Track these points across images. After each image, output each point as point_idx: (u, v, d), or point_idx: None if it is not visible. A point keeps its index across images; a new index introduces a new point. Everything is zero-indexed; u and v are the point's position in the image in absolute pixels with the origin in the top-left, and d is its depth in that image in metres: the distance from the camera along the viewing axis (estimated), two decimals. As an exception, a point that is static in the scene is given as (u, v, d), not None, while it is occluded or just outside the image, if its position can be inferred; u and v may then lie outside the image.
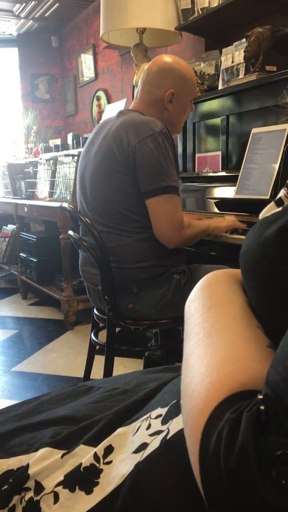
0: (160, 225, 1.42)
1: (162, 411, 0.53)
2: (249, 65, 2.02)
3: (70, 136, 4.12)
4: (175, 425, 0.49)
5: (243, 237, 1.52)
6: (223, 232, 1.56)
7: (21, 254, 3.57)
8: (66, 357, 2.44)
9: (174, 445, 0.47)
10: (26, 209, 3.36)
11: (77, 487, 0.52)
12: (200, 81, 2.30)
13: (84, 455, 0.55)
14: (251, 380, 0.35)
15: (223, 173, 2.03)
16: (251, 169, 1.69)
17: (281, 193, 0.48)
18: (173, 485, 0.44)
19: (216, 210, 1.88)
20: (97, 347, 1.73)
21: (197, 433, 0.34)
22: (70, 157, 2.88)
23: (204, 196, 2.01)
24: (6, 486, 0.56)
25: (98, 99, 4.15)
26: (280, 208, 0.46)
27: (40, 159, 3.39)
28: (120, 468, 0.51)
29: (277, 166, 1.58)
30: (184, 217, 1.48)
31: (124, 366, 2.23)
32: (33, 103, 4.88)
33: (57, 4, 3.99)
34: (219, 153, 2.20)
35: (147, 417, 0.55)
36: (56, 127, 4.96)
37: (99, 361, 1.72)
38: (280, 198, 0.48)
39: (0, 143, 4.92)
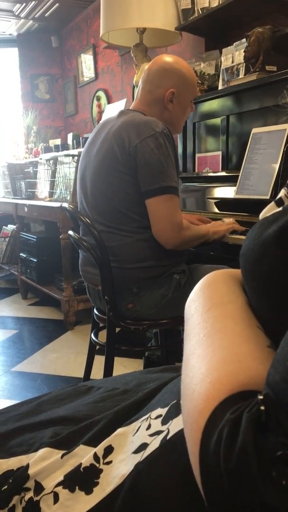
0: (159, 225, 1.42)
1: (162, 411, 0.53)
2: (249, 65, 2.02)
3: (70, 136, 4.13)
4: (175, 425, 0.49)
5: (243, 237, 1.51)
6: (222, 237, 1.56)
7: (21, 254, 3.57)
8: (66, 357, 2.44)
9: (174, 445, 0.47)
10: (26, 209, 3.36)
11: (77, 487, 0.52)
12: (200, 81, 2.30)
13: (84, 455, 0.55)
14: (251, 380, 0.35)
15: (223, 173, 2.03)
16: (251, 169, 1.69)
17: (281, 193, 0.48)
18: (173, 485, 0.44)
19: (216, 210, 1.88)
20: (97, 347, 1.73)
21: (197, 433, 0.34)
22: (70, 157, 2.88)
23: (204, 196, 2.01)
24: (6, 486, 0.56)
25: (98, 99, 4.15)
26: (280, 208, 0.45)
27: (40, 159, 3.39)
28: (120, 468, 0.51)
29: (277, 166, 1.58)
30: (185, 217, 1.48)
31: (124, 366, 2.23)
32: (33, 103, 4.88)
33: (57, 4, 3.99)
34: (219, 153, 2.20)
35: (147, 417, 0.55)
36: (56, 127, 4.96)
37: (99, 361, 1.72)
38: (280, 198, 0.48)
39: (0, 143, 4.92)
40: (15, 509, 0.55)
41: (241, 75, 2.10)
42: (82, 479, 0.52)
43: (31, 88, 4.88)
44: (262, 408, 0.31)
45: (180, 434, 0.46)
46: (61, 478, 0.53)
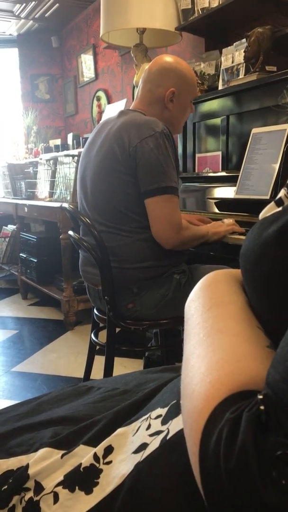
0: (158, 225, 1.42)
1: (162, 411, 0.53)
2: (249, 65, 2.02)
3: (70, 136, 4.13)
4: (175, 425, 0.49)
5: (243, 237, 1.51)
6: (221, 238, 1.56)
7: (21, 254, 3.57)
8: (66, 357, 2.44)
9: (174, 445, 0.47)
10: (26, 209, 3.36)
11: (77, 487, 0.52)
12: (200, 81, 2.30)
13: (84, 455, 0.55)
14: (251, 380, 0.35)
15: (223, 173, 2.03)
16: (251, 169, 1.69)
17: (281, 193, 0.48)
18: (173, 485, 0.44)
19: (216, 210, 1.88)
20: (97, 347, 1.73)
21: (197, 433, 0.34)
22: (70, 157, 2.89)
23: (204, 196, 2.01)
24: (6, 486, 0.56)
25: (98, 99, 4.15)
26: (280, 208, 0.45)
27: (40, 159, 3.39)
28: (120, 468, 0.51)
29: (277, 166, 1.58)
30: (185, 217, 1.48)
31: (124, 366, 2.23)
32: (33, 103, 4.88)
33: (57, 5, 3.99)
34: (219, 153, 2.20)
35: (147, 417, 0.55)
36: (56, 127, 4.97)
37: (99, 361, 1.72)
38: (280, 198, 0.48)
39: (0, 143, 4.93)
40: (15, 509, 0.55)
41: (241, 75, 2.10)
42: (82, 479, 0.52)
43: (31, 88, 4.88)
44: (262, 408, 0.31)
45: (180, 434, 0.46)
46: (61, 478, 0.53)
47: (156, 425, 0.52)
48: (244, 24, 2.25)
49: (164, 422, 0.51)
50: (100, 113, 4.08)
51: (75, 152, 2.89)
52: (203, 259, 1.77)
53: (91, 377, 1.85)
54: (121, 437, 0.55)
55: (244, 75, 2.07)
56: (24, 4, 4.00)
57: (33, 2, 3.94)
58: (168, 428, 0.49)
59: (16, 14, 4.22)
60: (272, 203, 0.48)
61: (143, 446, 0.50)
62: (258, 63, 1.93)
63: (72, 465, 0.54)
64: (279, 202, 0.47)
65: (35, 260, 3.32)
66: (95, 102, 4.20)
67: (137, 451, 0.50)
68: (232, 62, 2.18)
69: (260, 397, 0.31)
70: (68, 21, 4.49)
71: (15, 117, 4.94)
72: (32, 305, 3.51)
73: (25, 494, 0.55)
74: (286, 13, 2.09)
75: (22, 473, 0.56)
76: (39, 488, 0.54)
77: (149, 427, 0.52)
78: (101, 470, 0.52)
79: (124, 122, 1.45)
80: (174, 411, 0.51)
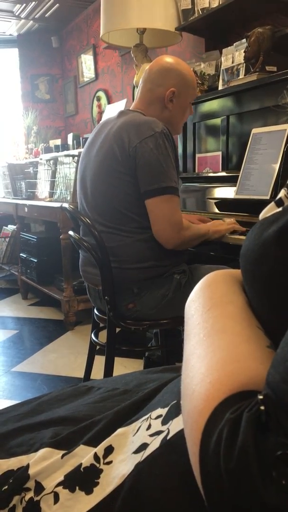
0: (159, 225, 1.42)
1: (162, 411, 0.53)
2: (249, 65, 2.02)
3: (70, 137, 4.13)
4: (175, 426, 0.49)
5: (243, 237, 1.52)
6: (222, 236, 1.56)
7: (21, 254, 3.57)
8: (66, 357, 2.44)
9: (174, 445, 0.47)
10: (26, 210, 3.36)
11: (77, 487, 0.52)
12: (200, 82, 2.30)
13: (84, 455, 0.55)
14: (251, 380, 0.35)
15: (223, 174, 2.03)
16: (251, 169, 1.69)
17: (281, 194, 0.48)
18: (173, 485, 0.44)
19: (216, 211, 1.88)
20: (97, 347, 1.73)
21: (197, 433, 0.34)
22: (70, 158, 2.89)
23: (205, 196, 2.01)
24: (6, 487, 0.56)
25: (99, 99, 4.15)
26: (280, 209, 0.45)
27: (41, 159, 3.39)
28: (120, 468, 0.51)
29: (277, 166, 1.58)
30: (186, 217, 1.48)
31: (124, 367, 2.23)
32: (33, 103, 4.88)
33: (57, 5, 3.99)
34: (219, 153, 2.20)
35: (147, 418, 0.55)
36: (56, 127, 4.97)
37: (99, 362, 1.72)
38: (280, 198, 0.48)
39: (0, 143, 4.93)
40: (15, 509, 0.55)
41: (241, 76, 2.10)
42: (82, 479, 0.52)
43: (31, 88, 4.89)
44: (262, 408, 0.31)
45: (180, 434, 0.46)
46: (61, 478, 0.53)
47: (157, 425, 0.52)
48: (244, 24, 2.25)
49: (164, 422, 0.51)
50: (100, 113, 4.08)
51: (75, 152, 2.89)
52: (203, 259, 1.77)
53: (91, 377, 1.85)
54: (122, 437, 0.55)
55: (244, 75, 2.07)
56: (24, 4, 4.00)
57: (33, 2, 3.94)
58: (168, 428, 0.49)
59: (16, 14, 4.22)
60: (272, 203, 0.48)
61: (144, 446, 0.50)
62: (258, 63, 1.93)
63: (72, 465, 0.54)
64: (279, 203, 0.47)
65: (35, 260, 3.32)
66: (95, 102, 4.20)
67: (137, 451, 0.50)
68: (232, 62, 2.18)
69: (260, 397, 0.31)
70: (68, 21, 4.49)
71: (15, 117, 4.94)
72: (32, 305, 3.51)
73: (25, 494, 0.55)
74: (286, 13, 2.09)
75: (22, 473, 0.56)
76: (39, 488, 0.54)
77: (149, 427, 0.52)
78: (101, 470, 0.52)
79: (123, 123, 1.45)
80: (175, 411, 0.51)
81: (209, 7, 2.23)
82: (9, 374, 2.26)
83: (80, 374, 1.93)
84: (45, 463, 0.56)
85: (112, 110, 2.94)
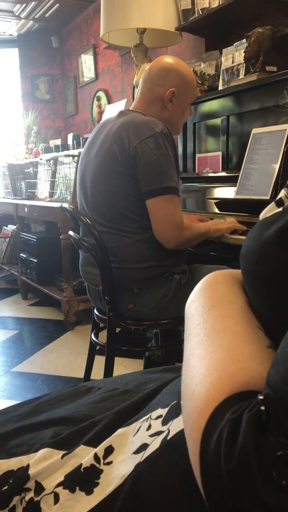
0: (160, 225, 1.42)
1: (163, 411, 0.53)
2: (249, 65, 2.02)
3: (70, 137, 4.13)
4: (175, 426, 0.49)
5: (243, 237, 1.52)
6: (223, 235, 1.56)
7: (21, 254, 3.57)
8: (66, 357, 2.44)
9: (175, 445, 0.47)
10: (26, 210, 3.36)
11: (77, 487, 0.52)
12: (200, 82, 2.30)
13: (84, 455, 0.55)
14: (251, 380, 0.35)
15: (224, 174, 2.03)
16: (252, 169, 1.69)
17: (282, 194, 0.48)
18: (174, 485, 0.44)
19: (217, 211, 1.88)
20: (97, 347, 1.73)
21: (198, 433, 0.34)
22: (71, 158, 2.89)
23: (205, 197, 2.02)
24: (6, 487, 0.56)
25: (99, 99, 4.15)
26: (281, 209, 0.46)
27: (41, 159, 3.39)
28: (120, 468, 0.51)
29: (277, 166, 1.58)
30: (186, 217, 1.48)
31: (124, 367, 2.23)
32: (33, 103, 4.88)
33: (57, 5, 3.99)
34: (220, 153, 2.20)
35: (148, 418, 0.55)
36: (56, 127, 4.97)
37: (99, 362, 1.72)
38: (280, 198, 0.48)
39: (0, 143, 4.93)
40: (15, 509, 0.55)
41: (241, 76, 2.10)
42: (83, 479, 0.52)
43: (31, 89, 4.89)
44: (263, 408, 0.31)
45: (180, 435, 0.46)
46: (61, 478, 0.53)
47: (157, 425, 0.52)
48: (244, 24, 2.25)
49: (164, 423, 0.51)
50: (100, 113, 4.08)
51: (75, 152, 2.89)
52: (203, 259, 1.77)
53: (91, 377, 1.85)
54: (122, 437, 0.55)
55: (244, 75, 2.07)
56: (24, 5, 4.00)
57: (33, 2, 3.94)
58: (168, 429, 0.49)
59: (16, 14, 4.22)
60: (273, 203, 0.48)
61: (144, 447, 0.50)
62: (258, 63, 1.93)
63: (72, 466, 0.54)
64: (280, 203, 0.47)
65: (35, 260, 3.32)
66: (95, 102, 4.20)
67: (137, 451, 0.50)
68: (232, 62, 2.18)
69: (261, 397, 0.31)
70: (68, 21, 4.49)
71: (15, 117, 4.94)
72: (32, 305, 3.51)
73: (25, 495, 0.55)
74: (286, 13, 2.09)
75: (22, 473, 0.56)
76: (39, 488, 0.54)
77: (149, 427, 0.52)
78: (101, 471, 0.52)
79: (123, 123, 1.45)
80: (175, 412, 0.51)
81: (209, 7, 2.23)
82: (9, 374, 2.26)
83: (80, 374, 1.93)
84: (45, 463, 0.56)
85: (112, 110, 2.94)
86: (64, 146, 3.97)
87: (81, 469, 0.53)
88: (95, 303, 1.67)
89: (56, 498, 0.52)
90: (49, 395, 0.77)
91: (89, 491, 0.51)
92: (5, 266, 4.11)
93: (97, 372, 1.84)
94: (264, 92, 1.87)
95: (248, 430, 0.30)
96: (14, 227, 3.91)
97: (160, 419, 0.52)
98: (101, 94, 4.10)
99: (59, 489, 0.52)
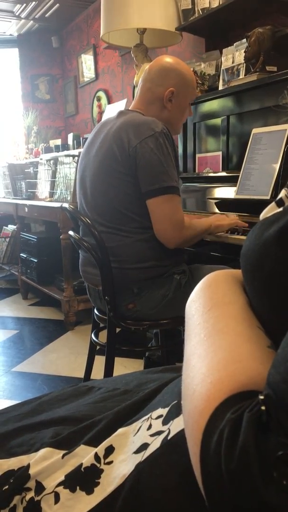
0: (161, 225, 1.42)
1: (163, 411, 0.53)
2: (249, 65, 2.02)
3: (70, 137, 4.13)
4: (176, 426, 0.49)
5: (243, 237, 1.52)
6: (225, 231, 1.56)
7: (21, 254, 3.57)
8: (66, 357, 2.44)
9: (175, 445, 0.47)
10: (26, 210, 3.36)
11: (77, 487, 0.52)
12: (200, 82, 2.30)
13: (84, 455, 0.55)
14: (252, 380, 0.35)
15: (224, 173, 2.03)
16: (252, 169, 1.69)
17: (282, 194, 0.48)
18: (174, 485, 0.44)
19: (217, 211, 1.88)
20: (98, 347, 1.73)
21: (198, 433, 0.34)
22: (71, 158, 2.89)
23: (205, 197, 2.02)
24: (6, 486, 0.56)
25: (99, 99, 4.15)
26: (281, 209, 0.46)
27: (41, 159, 3.39)
28: (120, 468, 0.51)
29: (277, 166, 1.58)
30: (185, 217, 1.48)
31: (124, 367, 2.23)
32: (34, 103, 4.88)
33: (57, 5, 3.99)
34: (220, 153, 2.20)
35: (148, 418, 0.55)
36: (56, 127, 4.97)
37: (100, 362, 1.72)
38: (280, 198, 0.48)
39: (0, 143, 4.93)
40: (16, 509, 0.55)
41: (242, 76, 2.10)
42: (83, 479, 0.52)
43: (32, 89, 4.88)
44: (263, 408, 0.31)
45: (181, 434, 0.46)
46: (62, 478, 0.53)
47: (157, 425, 0.52)
48: (244, 24, 2.25)
49: (165, 422, 0.51)
50: (101, 113, 4.08)
51: (76, 152, 2.89)
52: (203, 259, 1.77)
53: (92, 377, 1.85)
54: (122, 437, 0.55)
55: (245, 75, 2.07)
56: (25, 5, 4.00)
57: (34, 2, 3.94)
58: (169, 428, 0.49)
59: (17, 14, 4.22)
60: (273, 203, 0.48)
61: (144, 446, 0.50)
62: (258, 63, 1.93)
63: (73, 465, 0.55)
64: (280, 203, 0.47)
65: (36, 260, 3.32)
66: (96, 102, 4.20)
67: (138, 451, 0.50)
68: (233, 62, 2.18)
69: (261, 397, 0.31)
70: (69, 21, 4.49)
71: (15, 117, 4.94)
72: (33, 305, 3.51)
73: (26, 494, 0.55)
74: (286, 13, 2.09)
75: (23, 473, 0.56)
76: (40, 488, 0.54)
77: (150, 427, 0.52)
78: (102, 470, 0.52)
79: (123, 123, 1.45)
80: (175, 412, 0.51)
81: (209, 7, 2.23)
82: (9, 374, 2.26)
83: (80, 374, 1.93)
84: (46, 463, 0.56)
85: (112, 110, 2.94)
86: (64, 146, 3.97)
87: (82, 469, 0.53)
88: (95, 303, 1.67)
89: (57, 497, 0.52)
90: (49, 395, 0.77)
91: (89, 491, 0.51)
92: (5, 266, 4.11)
93: (97, 372, 1.84)
94: (264, 92, 1.87)
95: (248, 430, 0.30)
96: (14, 227, 3.91)
97: (161, 419, 0.52)
98: (101, 94, 4.10)
99: (60, 489, 0.52)
